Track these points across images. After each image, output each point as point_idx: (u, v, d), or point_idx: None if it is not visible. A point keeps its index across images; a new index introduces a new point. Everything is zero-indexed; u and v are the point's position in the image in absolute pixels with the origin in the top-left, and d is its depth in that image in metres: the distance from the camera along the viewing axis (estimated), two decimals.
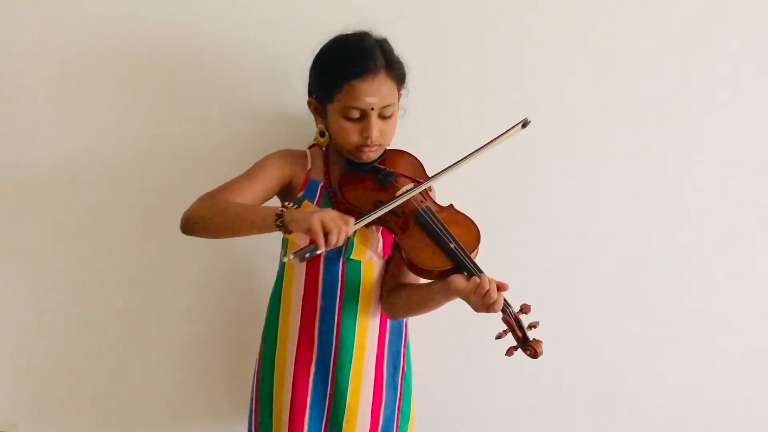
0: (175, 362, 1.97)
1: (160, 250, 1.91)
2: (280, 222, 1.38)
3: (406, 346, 1.74)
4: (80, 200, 1.86)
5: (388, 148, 1.65)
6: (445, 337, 1.97)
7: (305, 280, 1.63)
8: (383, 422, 1.69)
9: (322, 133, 1.65)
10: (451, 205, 1.63)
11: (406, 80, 1.62)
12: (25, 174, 1.83)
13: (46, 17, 1.77)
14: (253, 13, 1.83)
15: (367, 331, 1.66)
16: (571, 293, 2.07)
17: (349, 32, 1.59)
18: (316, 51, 1.60)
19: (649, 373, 2.14)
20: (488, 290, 1.42)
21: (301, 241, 1.55)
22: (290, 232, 1.39)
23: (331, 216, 1.35)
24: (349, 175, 1.62)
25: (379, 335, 1.68)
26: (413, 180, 1.62)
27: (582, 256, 2.06)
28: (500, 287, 1.44)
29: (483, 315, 1.45)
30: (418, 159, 1.70)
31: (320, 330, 1.63)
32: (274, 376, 1.66)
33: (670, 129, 2.03)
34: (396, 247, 1.59)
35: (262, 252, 1.85)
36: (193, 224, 1.50)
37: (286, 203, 1.43)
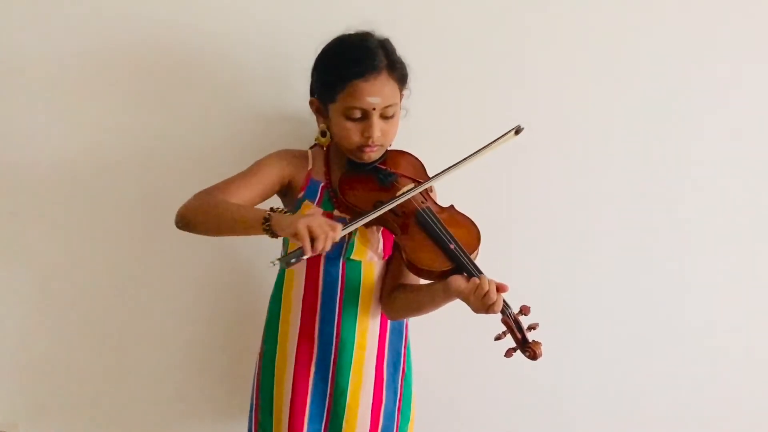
0: (175, 362, 1.97)
1: (161, 250, 1.91)
2: (266, 226, 1.38)
3: (407, 347, 1.74)
4: (80, 200, 1.86)
5: (389, 148, 1.65)
6: (446, 337, 1.97)
7: (305, 280, 1.63)
8: (383, 422, 1.69)
9: (323, 133, 1.65)
10: (451, 206, 1.63)
11: (408, 81, 1.62)
12: (25, 174, 1.83)
13: (46, 17, 1.77)
14: (254, 13, 1.83)
15: (367, 331, 1.66)
16: (570, 294, 2.07)
17: (351, 32, 1.58)
18: (318, 51, 1.60)
19: (648, 373, 2.14)
20: (488, 291, 1.42)
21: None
22: (277, 236, 1.38)
23: (318, 222, 1.34)
24: (350, 175, 1.62)
25: (380, 335, 1.68)
26: (414, 180, 1.62)
27: (582, 256, 2.06)
28: (500, 288, 1.43)
29: (483, 316, 1.45)
30: (419, 159, 1.70)
31: (320, 330, 1.63)
32: (275, 375, 1.66)
33: (670, 129, 2.03)
34: (396, 248, 1.60)
35: (263, 252, 1.84)
36: (186, 220, 1.50)
37: (274, 207, 1.42)
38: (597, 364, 2.12)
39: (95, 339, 1.93)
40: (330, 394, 1.65)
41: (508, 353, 1.47)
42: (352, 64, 1.52)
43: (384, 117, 1.55)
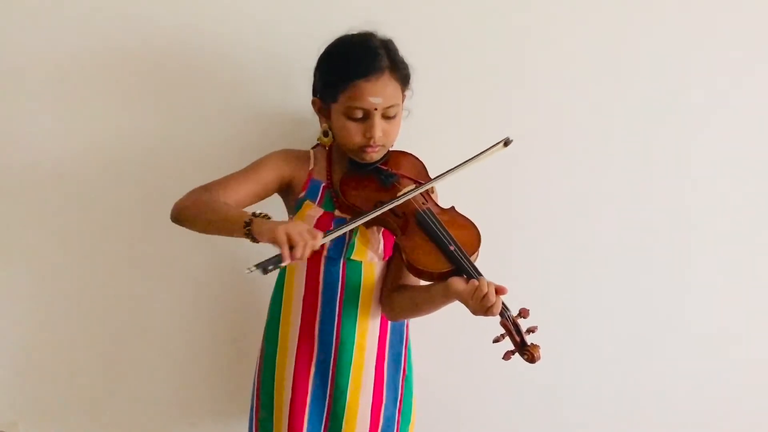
0: (175, 362, 1.97)
1: (161, 250, 1.91)
2: (247, 230, 1.37)
3: (407, 348, 1.74)
4: (81, 200, 1.86)
5: (391, 149, 1.65)
6: (446, 339, 1.97)
7: (306, 280, 1.63)
8: (383, 423, 1.69)
9: (325, 133, 1.65)
10: (452, 208, 1.63)
11: (411, 81, 1.61)
12: (25, 174, 1.83)
13: (47, 18, 1.77)
14: (254, 13, 1.82)
15: (367, 332, 1.66)
16: (570, 294, 2.07)
17: (354, 32, 1.58)
18: (320, 51, 1.60)
19: (648, 373, 2.15)
20: (486, 293, 1.41)
21: None
22: (257, 241, 1.38)
23: (297, 229, 1.33)
24: (352, 176, 1.62)
25: (380, 336, 1.68)
26: (415, 181, 1.62)
27: (581, 257, 2.06)
28: (499, 291, 1.43)
29: (482, 318, 1.45)
30: (421, 160, 1.70)
31: (320, 330, 1.63)
32: (275, 375, 1.66)
33: (670, 129, 2.03)
34: (396, 249, 1.60)
35: (263, 252, 1.84)
36: (179, 214, 1.51)
37: (256, 212, 1.41)
38: (597, 364, 2.12)
39: (95, 339, 1.93)
40: (330, 395, 1.65)
41: (507, 356, 1.46)
42: (354, 63, 1.52)
43: (386, 117, 1.55)
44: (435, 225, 1.54)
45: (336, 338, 1.63)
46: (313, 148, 1.70)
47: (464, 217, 1.60)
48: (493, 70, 1.94)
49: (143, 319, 1.94)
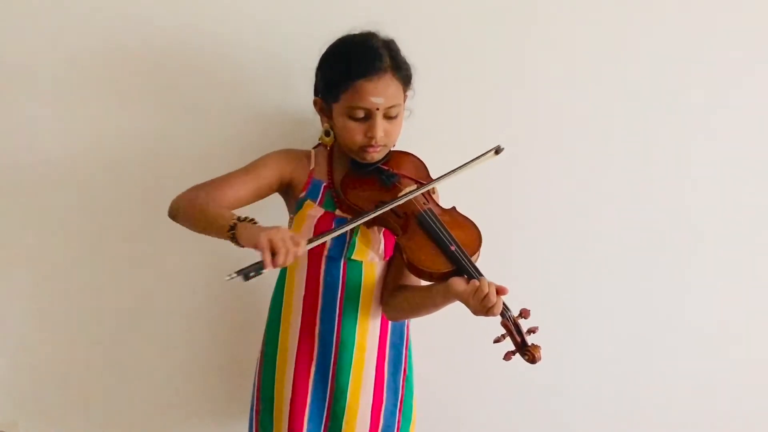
0: (176, 362, 1.97)
1: (161, 251, 1.91)
2: (231, 234, 1.37)
3: (408, 348, 1.74)
4: (81, 200, 1.86)
5: (392, 149, 1.65)
6: (446, 339, 1.97)
7: (306, 280, 1.63)
8: (383, 423, 1.69)
9: (327, 133, 1.65)
10: (453, 208, 1.63)
11: (412, 81, 1.61)
12: (25, 174, 1.83)
13: (47, 18, 1.77)
14: (254, 13, 1.82)
15: (367, 332, 1.66)
16: (571, 294, 2.07)
17: (356, 32, 1.58)
18: (323, 51, 1.60)
19: (648, 373, 2.15)
20: (487, 294, 1.41)
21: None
22: (241, 246, 1.37)
23: (280, 235, 1.31)
24: (353, 176, 1.62)
25: (380, 336, 1.68)
26: (416, 182, 1.62)
27: (582, 258, 2.06)
28: (499, 291, 1.43)
29: (483, 318, 1.44)
30: (422, 160, 1.70)
31: (321, 330, 1.63)
32: (275, 375, 1.66)
33: (670, 129, 2.03)
34: (397, 249, 1.59)
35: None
36: (174, 211, 1.51)
37: (241, 216, 1.40)
38: (597, 364, 2.12)
39: (95, 339, 1.93)
40: (330, 395, 1.65)
41: (507, 356, 1.46)
42: (356, 63, 1.52)
43: (387, 117, 1.55)
44: (436, 225, 1.54)
45: (336, 338, 1.63)
46: (314, 148, 1.70)
47: (465, 217, 1.60)
48: (494, 70, 1.94)
49: (143, 319, 1.94)
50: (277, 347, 1.66)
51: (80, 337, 1.93)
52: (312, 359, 1.64)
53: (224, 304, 1.95)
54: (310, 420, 1.64)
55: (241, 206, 1.57)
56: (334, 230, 1.50)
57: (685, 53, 2.00)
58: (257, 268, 1.31)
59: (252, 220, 1.40)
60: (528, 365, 1.46)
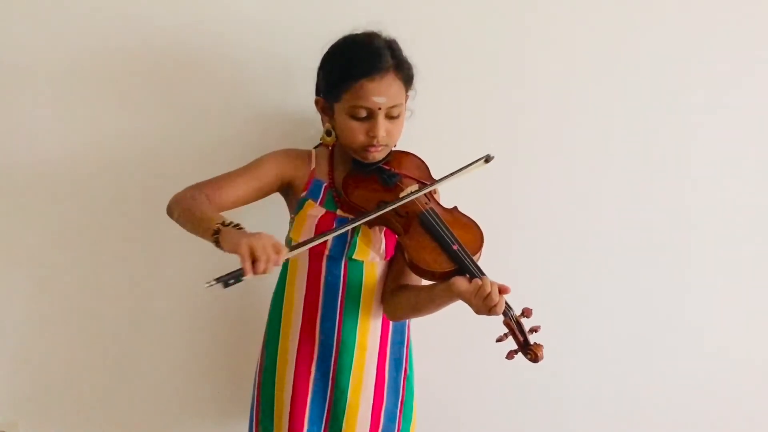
0: (176, 362, 1.97)
1: (162, 251, 1.90)
2: (215, 238, 1.35)
3: (409, 348, 1.74)
4: (81, 200, 1.86)
5: (394, 149, 1.65)
6: (447, 339, 1.97)
7: (307, 280, 1.63)
8: (384, 423, 1.69)
9: (328, 133, 1.64)
10: (455, 207, 1.63)
11: (414, 81, 1.61)
12: (25, 174, 1.83)
13: (47, 18, 1.76)
14: (254, 13, 1.82)
15: (368, 331, 1.65)
16: (571, 294, 2.07)
17: (358, 32, 1.58)
18: (324, 50, 1.59)
19: (648, 373, 2.15)
20: (489, 293, 1.41)
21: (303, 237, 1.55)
22: (224, 250, 1.35)
23: (262, 243, 1.29)
24: (354, 175, 1.62)
25: (381, 336, 1.68)
26: (418, 181, 1.62)
27: (582, 258, 2.06)
28: (502, 290, 1.43)
29: (485, 317, 1.45)
30: (424, 161, 1.70)
31: (321, 330, 1.63)
32: (275, 375, 1.66)
33: (670, 129, 2.03)
34: (399, 248, 1.60)
35: None
36: (170, 210, 1.51)
37: (226, 221, 1.38)
38: (597, 364, 2.12)
39: (95, 339, 1.93)
40: (330, 395, 1.65)
41: (510, 355, 1.47)
42: (358, 63, 1.52)
43: (389, 117, 1.55)
44: (438, 225, 1.54)
45: (337, 338, 1.62)
46: (315, 147, 1.70)
47: (467, 217, 1.60)
48: (494, 70, 1.94)
49: (143, 319, 1.94)
50: (277, 347, 1.66)
51: (80, 338, 1.92)
52: (312, 359, 1.64)
53: (224, 304, 1.95)
54: (310, 420, 1.64)
55: (241, 205, 1.57)
56: (347, 225, 1.49)
57: (685, 53, 2.00)
58: (237, 275, 1.29)
59: (237, 225, 1.38)
60: (528, 364, 1.47)
